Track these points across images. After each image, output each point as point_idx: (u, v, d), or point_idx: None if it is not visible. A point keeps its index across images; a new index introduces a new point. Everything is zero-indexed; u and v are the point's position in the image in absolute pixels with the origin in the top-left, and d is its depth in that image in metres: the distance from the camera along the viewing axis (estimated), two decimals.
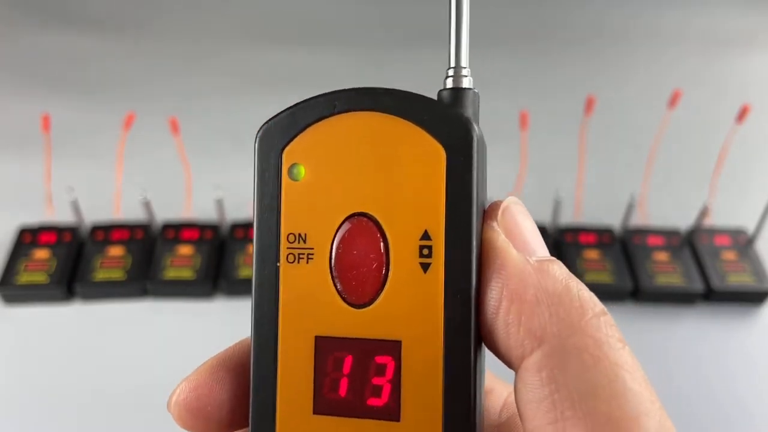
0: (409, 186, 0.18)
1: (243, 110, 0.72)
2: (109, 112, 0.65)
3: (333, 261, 0.19)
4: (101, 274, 0.55)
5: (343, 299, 0.19)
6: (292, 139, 0.19)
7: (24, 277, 0.54)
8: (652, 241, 0.58)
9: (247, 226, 0.58)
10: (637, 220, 0.60)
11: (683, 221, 0.60)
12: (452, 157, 0.18)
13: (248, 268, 0.55)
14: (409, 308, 0.18)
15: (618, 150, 0.68)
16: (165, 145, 0.59)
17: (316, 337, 0.19)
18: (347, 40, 0.82)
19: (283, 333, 0.19)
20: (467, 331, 0.18)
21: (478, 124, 0.19)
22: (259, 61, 0.79)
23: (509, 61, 0.78)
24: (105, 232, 0.57)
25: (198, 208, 0.60)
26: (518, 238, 0.18)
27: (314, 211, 0.19)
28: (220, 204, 0.57)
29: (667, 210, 0.61)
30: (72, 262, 0.55)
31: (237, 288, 0.55)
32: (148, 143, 0.62)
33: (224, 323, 0.54)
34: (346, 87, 0.19)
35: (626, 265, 0.56)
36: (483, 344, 0.18)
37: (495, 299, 0.17)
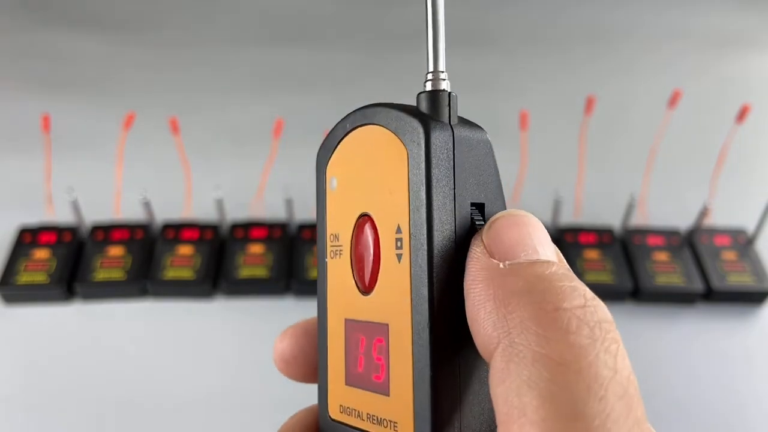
0: (389, 185, 0.20)
1: (243, 110, 0.72)
2: (109, 112, 0.65)
3: (351, 255, 0.22)
4: (101, 274, 0.55)
5: (358, 287, 0.21)
6: (330, 156, 0.22)
7: (24, 277, 0.54)
8: (652, 241, 0.58)
9: (246, 226, 0.58)
10: (637, 220, 0.60)
11: (683, 221, 0.60)
12: (411, 156, 0.19)
13: (248, 268, 0.55)
14: (392, 294, 0.20)
15: (618, 150, 0.68)
16: (165, 145, 0.59)
17: (346, 320, 0.22)
18: (347, 40, 0.82)
19: (330, 316, 0.22)
20: (427, 313, 0.19)
21: (451, 123, 0.20)
22: (259, 61, 0.79)
23: (509, 61, 0.78)
24: (105, 232, 0.57)
25: (198, 208, 0.60)
26: (498, 248, 0.19)
27: (342, 215, 0.22)
28: (220, 204, 0.57)
29: (667, 210, 0.61)
30: (72, 262, 0.55)
31: (237, 288, 0.55)
32: (148, 143, 0.62)
33: (224, 323, 0.54)
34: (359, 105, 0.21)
35: (626, 265, 0.56)
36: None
37: (468, 303, 0.19)
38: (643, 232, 0.58)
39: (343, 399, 0.22)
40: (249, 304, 0.55)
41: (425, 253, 0.19)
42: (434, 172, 0.19)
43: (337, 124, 0.22)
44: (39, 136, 0.58)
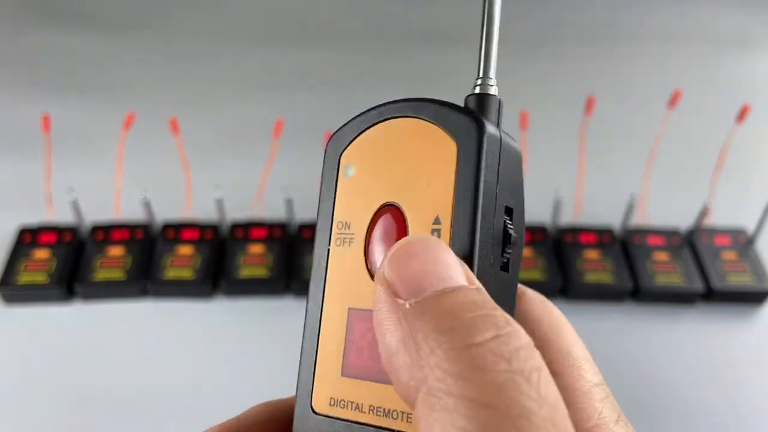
0: (428, 177, 0.21)
1: (243, 110, 0.72)
2: (109, 112, 0.65)
3: (366, 243, 0.22)
4: (101, 274, 0.55)
5: (371, 277, 0.21)
6: (348, 144, 0.22)
7: (24, 277, 0.54)
8: (652, 241, 0.58)
9: (246, 226, 0.58)
10: (637, 220, 0.60)
11: (683, 221, 0.60)
12: (462, 151, 0.20)
13: (248, 268, 0.55)
14: None
15: (618, 150, 0.68)
16: (165, 145, 0.59)
17: (350, 309, 0.21)
18: (347, 40, 0.82)
19: (327, 305, 0.22)
20: None
21: (499, 128, 0.21)
22: (258, 61, 0.79)
23: (509, 61, 0.77)
24: (105, 232, 0.57)
25: (198, 208, 0.60)
26: (402, 284, 0.18)
27: (357, 203, 0.22)
28: (220, 204, 0.57)
29: (667, 210, 0.61)
30: (72, 262, 0.55)
31: (237, 288, 0.55)
32: (148, 143, 0.62)
33: (224, 323, 0.54)
34: (393, 99, 0.22)
35: (626, 265, 0.56)
36: None
37: (380, 350, 0.18)
38: (643, 232, 0.58)
39: (335, 391, 0.21)
40: (249, 304, 0.55)
41: (468, 245, 0.19)
42: (484, 169, 0.20)
43: (359, 114, 0.22)
44: (39, 136, 0.58)
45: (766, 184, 0.65)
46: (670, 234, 0.58)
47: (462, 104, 0.22)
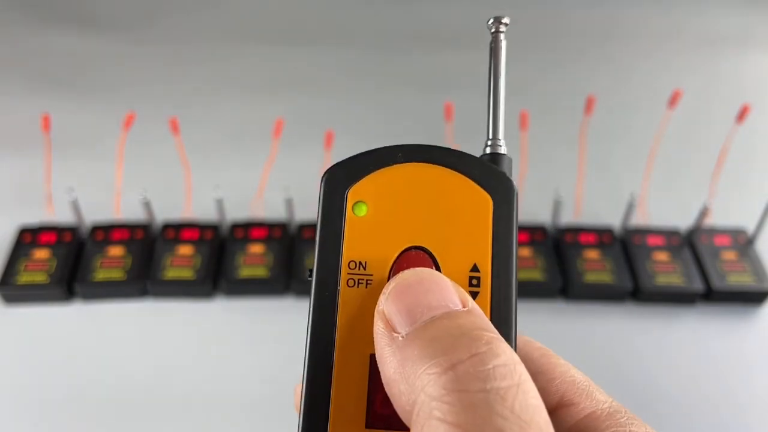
0: (460, 226, 0.22)
1: (243, 110, 0.72)
2: (109, 112, 0.65)
3: None
4: (101, 274, 0.55)
5: None
6: (357, 181, 0.22)
7: (24, 277, 0.54)
8: (652, 241, 0.58)
9: (246, 226, 0.58)
10: (637, 220, 0.60)
11: (683, 221, 0.60)
12: (497, 205, 0.22)
13: (248, 268, 0.55)
14: None
15: (618, 150, 0.68)
16: (165, 145, 0.59)
17: (371, 355, 0.20)
18: (347, 41, 0.82)
19: (340, 351, 0.21)
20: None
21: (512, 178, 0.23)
22: (259, 61, 0.79)
23: (509, 61, 0.77)
24: (105, 232, 0.57)
25: (198, 208, 0.60)
26: (397, 319, 0.19)
27: (375, 243, 0.22)
28: (220, 204, 0.57)
29: (667, 210, 0.61)
30: (72, 262, 0.55)
31: (237, 288, 0.55)
32: (148, 143, 0.62)
33: (224, 323, 0.54)
34: (409, 143, 0.22)
35: (626, 265, 0.56)
36: None
37: (383, 379, 0.19)
38: (643, 232, 0.58)
39: None
40: (249, 304, 0.55)
41: (512, 292, 0.21)
42: (516, 224, 0.22)
43: (368, 152, 0.22)
44: (39, 136, 0.58)
45: (766, 184, 0.65)
46: (670, 234, 0.58)
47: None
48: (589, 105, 0.57)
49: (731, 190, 0.61)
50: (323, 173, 0.22)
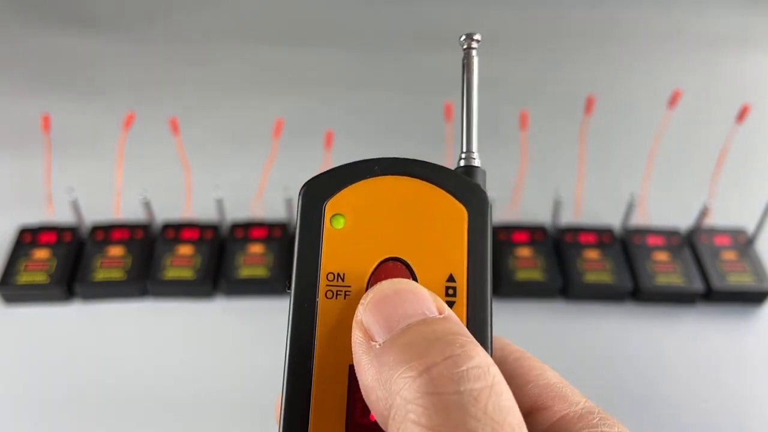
0: (436, 237, 0.22)
1: (243, 110, 0.72)
2: (109, 112, 0.65)
3: None
4: (101, 274, 0.55)
5: None
6: (334, 194, 0.22)
7: (24, 277, 0.54)
8: (652, 241, 0.58)
9: (246, 226, 0.58)
10: (637, 220, 0.60)
11: (683, 221, 0.60)
12: (472, 216, 0.22)
13: (248, 268, 0.55)
14: None
15: (618, 150, 0.68)
16: (165, 145, 0.59)
17: (350, 366, 0.21)
18: (347, 41, 0.82)
19: (319, 362, 0.21)
20: None
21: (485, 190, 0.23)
22: (259, 61, 0.79)
23: (509, 61, 0.78)
24: (105, 232, 0.57)
25: (198, 208, 0.60)
26: (375, 329, 0.19)
27: (353, 255, 0.22)
28: (220, 204, 0.57)
29: (667, 210, 0.61)
30: (72, 262, 0.55)
31: (237, 288, 0.55)
32: (148, 143, 0.62)
33: (224, 323, 0.54)
34: (383, 156, 0.23)
35: (626, 265, 0.56)
36: None
37: (361, 386, 0.19)
38: (643, 232, 0.58)
39: None
40: (249, 304, 0.55)
41: (487, 300, 0.22)
42: (490, 235, 0.22)
43: (345, 165, 0.23)
44: (39, 136, 0.58)
45: (766, 184, 0.65)
46: (670, 234, 0.58)
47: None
48: (589, 105, 0.57)
49: (731, 190, 0.61)
50: (301, 186, 0.23)
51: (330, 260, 0.22)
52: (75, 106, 0.71)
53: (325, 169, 0.23)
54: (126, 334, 0.53)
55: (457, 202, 0.22)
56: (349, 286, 0.22)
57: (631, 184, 0.61)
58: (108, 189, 0.60)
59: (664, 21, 0.85)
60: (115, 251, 0.56)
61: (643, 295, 0.55)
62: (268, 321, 0.54)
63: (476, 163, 0.24)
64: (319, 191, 0.23)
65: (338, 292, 0.22)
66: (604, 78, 0.77)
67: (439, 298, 0.20)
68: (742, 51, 0.82)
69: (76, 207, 0.56)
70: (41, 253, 0.56)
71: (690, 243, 0.58)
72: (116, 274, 0.55)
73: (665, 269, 0.56)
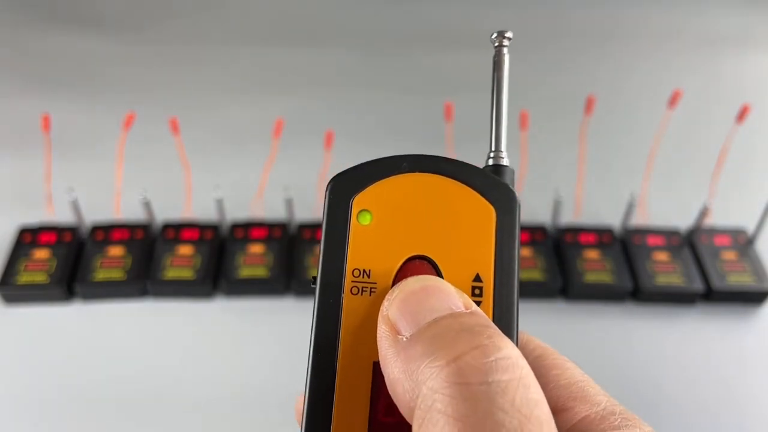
0: (463, 236, 0.22)
1: (243, 110, 0.72)
2: (109, 112, 0.65)
3: None
4: (101, 274, 0.55)
5: None
6: (361, 190, 0.22)
7: (24, 277, 0.54)
8: (652, 241, 0.58)
9: (246, 226, 0.58)
10: (637, 220, 0.60)
11: (683, 221, 0.60)
12: (500, 216, 0.22)
13: (248, 268, 0.55)
14: None
15: (618, 150, 0.68)
16: (165, 145, 0.59)
17: (374, 363, 0.21)
18: (347, 41, 0.82)
19: (343, 358, 0.21)
20: None
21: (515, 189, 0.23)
22: (259, 61, 0.79)
23: (509, 61, 0.77)
24: (105, 232, 0.57)
25: (198, 208, 0.60)
26: (401, 323, 0.19)
27: (379, 251, 0.22)
28: (220, 204, 0.57)
29: (667, 210, 0.61)
30: (72, 262, 0.55)
31: (237, 288, 0.55)
32: (148, 143, 0.62)
33: (224, 323, 0.54)
34: (413, 153, 0.23)
35: (626, 265, 0.56)
36: None
37: (386, 380, 0.19)
38: (643, 232, 0.58)
39: None
40: (249, 304, 0.55)
41: (513, 301, 0.21)
42: (519, 235, 0.22)
43: (373, 161, 0.23)
44: (39, 136, 0.58)
45: (766, 184, 0.65)
46: (670, 234, 0.58)
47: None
48: (589, 105, 0.57)
49: (731, 190, 0.61)
50: (328, 181, 0.22)
51: (356, 256, 0.22)
52: (75, 106, 0.71)
53: (353, 165, 0.23)
54: (126, 334, 0.53)
55: (485, 201, 0.22)
56: (375, 283, 0.21)
57: (631, 184, 0.61)
58: (108, 189, 0.60)
59: (664, 21, 0.85)
60: (115, 251, 0.56)
61: (643, 295, 0.55)
62: (268, 321, 0.54)
63: (505, 162, 0.24)
64: (346, 187, 0.22)
65: (364, 289, 0.21)
66: (604, 78, 0.77)
67: (465, 295, 0.20)
68: (742, 51, 0.82)
69: (76, 207, 0.56)
70: (41, 253, 0.56)
71: (690, 243, 0.58)
72: (116, 274, 0.55)
73: (665, 269, 0.56)
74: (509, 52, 0.25)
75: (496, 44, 0.25)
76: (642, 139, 0.63)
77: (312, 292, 0.22)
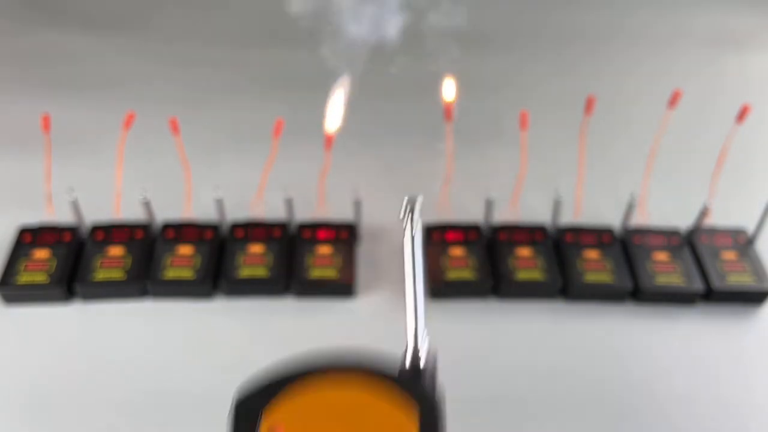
0: None
1: (243, 110, 0.72)
2: (109, 112, 0.65)
3: None
4: (101, 274, 0.55)
5: None
6: (271, 405, 0.21)
7: (24, 277, 0.54)
8: (652, 241, 0.58)
9: (246, 226, 0.58)
10: (637, 220, 0.60)
11: (683, 221, 0.60)
12: (425, 416, 0.21)
13: (248, 268, 0.55)
14: None
15: (618, 150, 0.68)
16: (165, 145, 0.59)
17: None
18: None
19: None
20: None
21: (437, 386, 0.22)
22: (259, 61, 0.79)
23: (509, 61, 0.78)
24: (105, 232, 0.57)
25: (198, 208, 0.60)
26: None
27: None
28: (220, 204, 0.57)
29: (667, 210, 0.61)
30: (72, 262, 0.55)
31: (237, 288, 0.55)
32: (148, 143, 0.62)
33: (224, 323, 0.54)
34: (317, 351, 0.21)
35: (626, 265, 0.56)
36: None
37: None
38: (643, 232, 0.58)
39: None
40: (249, 304, 0.55)
41: None
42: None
43: (284, 368, 0.21)
44: (39, 136, 0.57)
45: (766, 184, 0.65)
46: (670, 234, 0.58)
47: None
48: (589, 105, 0.57)
49: (731, 190, 0.61)
50: (233, 397, 0.21)
51: None
52: (75, 106, 0.71)
53: (259, 377, 0.21)
54: (126, 334, 0.53)
55: (404, 414, 0.21)
56: None
57: (631, 184, 0.61)
58: (108, 189, 0.60)
59: (664, 21, 0.85)
60: (115, 251, 0.56)
61: (643, 295, 0.55)
62: (268, 321, 0.54)
63: (423, 363, 0.23)
64: (253, 404, 0.21)
65: None
66: (604, 78, 0.77)
67: None
68: (742, 51, 0.82)
69: (76, 207, 0.56)
70: (41, 253, 0.56)
71: (690, 243, 0.58)
72: (116, 274, 0.55)
73: (665, 269, 0.56)
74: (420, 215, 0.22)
75: (408, 216, 0.23)
76: (642, 139, 0.63)
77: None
